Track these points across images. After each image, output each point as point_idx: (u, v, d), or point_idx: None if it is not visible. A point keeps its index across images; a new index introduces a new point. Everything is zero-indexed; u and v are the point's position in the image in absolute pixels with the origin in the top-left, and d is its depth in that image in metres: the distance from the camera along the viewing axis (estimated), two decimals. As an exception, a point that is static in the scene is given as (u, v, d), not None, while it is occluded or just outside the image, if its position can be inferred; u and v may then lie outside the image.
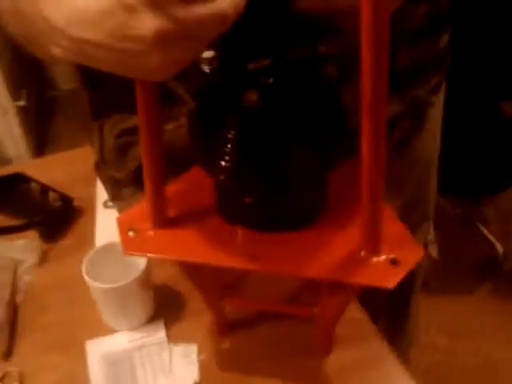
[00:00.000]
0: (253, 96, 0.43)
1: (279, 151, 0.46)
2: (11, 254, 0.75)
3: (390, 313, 0.96)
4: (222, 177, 0.49)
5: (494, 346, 1.50)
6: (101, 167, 0.88)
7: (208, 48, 0.44)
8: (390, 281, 0.47)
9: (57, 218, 0.81)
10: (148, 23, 0.31)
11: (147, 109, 0.45)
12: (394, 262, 0.48)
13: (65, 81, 2.69)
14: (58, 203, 0.83)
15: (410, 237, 0.50)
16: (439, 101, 0.79)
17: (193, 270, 0.58)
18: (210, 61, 0.46)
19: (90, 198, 0.87)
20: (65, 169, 0.93)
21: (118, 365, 0.63)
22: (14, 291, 0.71)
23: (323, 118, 0.48)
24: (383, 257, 0.48)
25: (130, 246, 0.52)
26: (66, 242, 0.80)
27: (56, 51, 0.37)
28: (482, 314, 1.57)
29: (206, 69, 0.46)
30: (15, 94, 2.02)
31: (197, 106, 0.51)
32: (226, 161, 0.47)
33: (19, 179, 0.87)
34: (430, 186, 0.87)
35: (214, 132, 0.48)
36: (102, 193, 0.88)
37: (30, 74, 2.50)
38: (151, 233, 0.52)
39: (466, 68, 1.38)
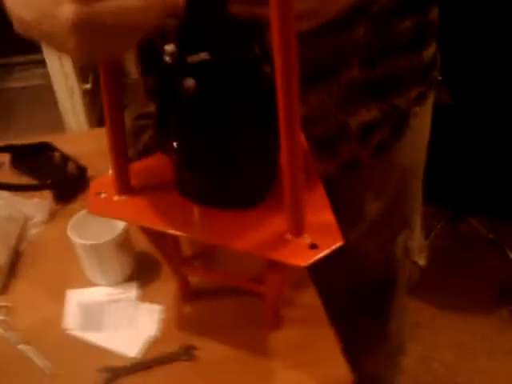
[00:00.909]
0: (190, 84, 0.50)
1: (220, 135, 0.53)
2: (24, 209, 0.86)
3: (373, 312, 1.00)
4: (174, 156, 0.56)
5: (502, 368, 1.47)
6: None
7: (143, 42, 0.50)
8: (305, 261, 0.52)
9: (70, 184, 0.91)
10: (67, 10, 0.38)
11: (108, 86, 0.53)
12: (312, 246, 0.53)
13: (132, 71, 2.85)
14: (75, 171, 0.93)
15: (335, 227, 0.55)
16: (424, 111, 0.81)
17: (155, 238, 0.65)
18: (170, 53, 0.53)
19: (104, 171, 0.97)
20: (88, 144, 1.03)
21: (89, 312, 0.71)
22: (19, 240, 0.82)
23: (262, 108, 0.53)
24: (304, 240, 0.53)
25: (94, 207, 0.60)
26: (75, 205, 0.90)
27: (15, 26, 0.46)
28: (495, 336, 1.54)
29: (168, 60, 0.53)
30: (83, 78, 2.18)
31: (157, 95, 0.58)
32: (176, 141, 0.55)
33: (46, 148, 0.98)
34: (411, 194, 0.89)
35: (168, 117, 0.55)
36: (115, 167, 0.97)
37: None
38: (115, 198, 0.60)
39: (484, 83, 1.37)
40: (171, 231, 0.57)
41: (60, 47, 0.42)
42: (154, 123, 0.58)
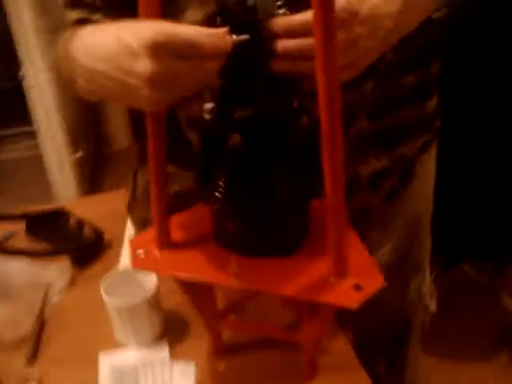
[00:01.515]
0: (236, 139, 0.53)
1: (262, 186, 0.56)
2: (45, 275, 0.86)
3: (388, 358, 1.00)
4: (216, 206, 0.59)
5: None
6: (132, 207, 1.00)
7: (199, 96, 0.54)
8: (353, 302, 0.54)
9: (88, 248, 0.92)
10: (145, 65, 0.43)
11: (155, 139, 0.56)
12: (357, 287, 0.55)
13: (120, 139, 2.91)
14: (91, 236, 0.94)
15: (374, 266, 0.58)
16: (429, 159, 0.86)
17: (191, 292, 0.66)
18: (210, 110, 0.57)
19: (120, 234, 0.98)
20: (102, 207, 1.05)
21: (124, 377, 0.71)
22: (43, 308, 0.81)
23: (301, 159, 0.57)
24: (348, 282, 0.55)
25: (137, 262, 0.62)
26: (94, 269, 0.91)
27: (79, 81, 0.50)
28: (497, 382, 1.54)
29: (208, 117, 0.57)
30: (73, 148, 2.21)
31: (199, 148, 0.61)
32: (219, 192, 0.57)
33: (60, 214, 0.99)
34: (421, 239, 0.92)
35: (210, 169, 0.58)
36: (130, 230, 0.98)
37: (89, 130, 2.73)
38: (156, 253, 0.62)
39: (484, 133, 1.45)
40: (217, 282, 0.58)
41: (130, 98, 0.46)
42: (196, 176, 0.60)
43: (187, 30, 0.45)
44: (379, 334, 0.96)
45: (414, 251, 0.92)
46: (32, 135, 2.39)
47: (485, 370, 1.58)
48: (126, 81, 0.47)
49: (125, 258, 0.92)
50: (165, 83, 0.45)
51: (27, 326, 0.78)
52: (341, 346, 0.72)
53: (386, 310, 0.96)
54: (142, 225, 0.98)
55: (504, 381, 1.55)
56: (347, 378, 0.68)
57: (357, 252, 0.59)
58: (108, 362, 0.73)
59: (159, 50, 0.44)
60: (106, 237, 0.96)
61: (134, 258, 0.62)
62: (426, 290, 0.95)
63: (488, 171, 1.63)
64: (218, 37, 0.46)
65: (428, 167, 0.88)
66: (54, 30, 2.37)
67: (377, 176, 0.81)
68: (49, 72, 2.03)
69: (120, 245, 0.96)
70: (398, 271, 0.92)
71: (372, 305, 0.91)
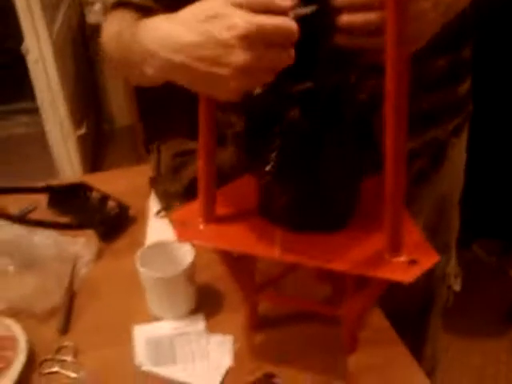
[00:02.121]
0: (295, 113, 0.52)
1: (316, 160, 0.55)
2: (72, 248, 0.85)
3: (410, 334, 1.01)
4: (265, 179, 0.58)
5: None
6: (157, 181, 0.99)
7: None
8: (409, 277, 0.53)
9: (113, 222, 0.91)
10: (239, 56, 0.45)
11: (208, 123, 0.55)
12: (412, 263, 0.55)
13: (121, 117, 2.89)
14: (116, 210, 0.93)
15: (426, 243, 0.57)
16: (460, 142, 0.86)
17: (233, 265, 0.66)
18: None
19: (143, 209, 0.97)
20: (123, 182, 1.03)
21: (160, 347, 0.70)
22: (72, 280, 0.80)
23: (355, 135, 0.56)
24: (403, 257, 0.55)
25: (182, 235, 0.61)
26: (120, 243, 0.90)
27: (149, 70, 0.52)
28: (510, 358, 1.57)
29: (258, 90, 0.55)
30: (76, 124, 2.18)
31: (247, 122, 0.60)
32: (270, 166, 0.56)
33: (83, 188, 0.98)
34: (449, 220, 0.92)
35: (261, 142, 0.57)
36: (154, 204, 0.97)
37: (91, 107, 2.70)
38: (201, 226, 0.61)
39: (494, 111, 1.45)
40: (264, 255, 0.58)
41: (210, 87, 0.49)
42: (244, 150, 0.59)
43: (275, 19, 0.46)
44: (402, 311, 0.97)
45: (442, 231, 0.92)
46: (30, 111, 2.36)
47: (497, 346, 1.61)
48: (211, 71, 0.47)
49: (151, 233, 0.91)
50: (255, 72, 0.47)
51: (57, 297, 0.77)
52: (379, 321, 0.72)
53: (412, 286, 0.96)
54: (166, 199, 0.97)
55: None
56: (387, 352, 0.68)
57: (409, 228, 0.58)
58: (143, 333, 0.72)
59: (253, 40, 0.46)
60: (130, 212, 0.95)
61: (179, 230, 0.61)
62: (450, 270, 0.95)
63: (498, 154, 1.64)
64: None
65: (459, 150, 0.88)
66: (56, 6, 2.31)
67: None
68: (53, 47, 2.00)
69: (144, 219, 0.95)
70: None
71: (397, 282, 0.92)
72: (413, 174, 0.82)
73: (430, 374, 1.12)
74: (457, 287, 1.02)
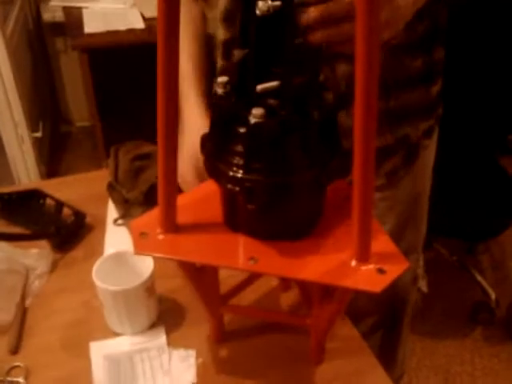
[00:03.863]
0: (259, 113, 0.49)
1: (281, 164, 0.52)
2: (24, 260, 0.80)
3: (383, 341, 1.00)
4: (229, 185, 0.55)
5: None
6: (114, 187, 0.94)
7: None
8: (377, 286, 0.51)
9: (69, 231, 0.86)
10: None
11: (168, 120, 0.51)
12: (380, 271, 0.52)
13: (80, 118, 2.80)
14: (71, 218, 0.88)
15: (395, 249, 0.55)
16: (432, 144, 0.86)
17: (195, 277, 0.62)
18: (223, 85, 0.52)
19: (100, 216, 0.92)
20: (79, 189, 0.98)
21: (119, 365, 0.66)
22: (24, 295, 0.76)
23: (321, 137, 0.53)
24: (371, 266, 0.53)
25: (140, 247, 0.57)
26: (76, 253, 0.85)
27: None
28: (473, 358, 1.58)
29: (220, 91, 0.52)
30: (32, 126, 2.10)
31: (211, 123, 0.56)
32: (233, 171, 0.53)
33: (37, 195, 0.92)
34: (417, 220, 0.91)
35: (224, 146, 0.53)
36: (112, 211, 0.93)
37: (48, 108, 2.61)
38: (161, 236, 0.57)
39: (462, 115, 1.46)
40: (228, 265, 0.55)
41: None
42: (206, 156, 0.56)
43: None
44: (371, 316, 0.96)
45: (410, 231, 0.91)
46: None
47: (461, 346, 1.62)
48: None
49: (109, 242, 0.86)
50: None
51: (8, 314, 0.72)
52: (347, 330, 0.70)
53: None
54: (124, 206, 0.93)
55: (479, 355, 1.60)
56: (356, 362, 0.66)
57: (377, 235, 0.56)
58: (100, 350, 0.68)
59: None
60: (87, 219, 0.90)
61: (136, 241, 0.57)
62: (419, 271, 0.94)
63: (461, 154, 1.65)
64: None
65: (430, 151, 0.88)
66: (10, 4, 2.21)
67: (378, 154, 0.80)
68: (6, 47, 1.91)
69: (102, 227, 0.90)
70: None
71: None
72: (385, 172, 0.82)
73: (399, 378, 1.12)
74: (424, 289, 1.01)
